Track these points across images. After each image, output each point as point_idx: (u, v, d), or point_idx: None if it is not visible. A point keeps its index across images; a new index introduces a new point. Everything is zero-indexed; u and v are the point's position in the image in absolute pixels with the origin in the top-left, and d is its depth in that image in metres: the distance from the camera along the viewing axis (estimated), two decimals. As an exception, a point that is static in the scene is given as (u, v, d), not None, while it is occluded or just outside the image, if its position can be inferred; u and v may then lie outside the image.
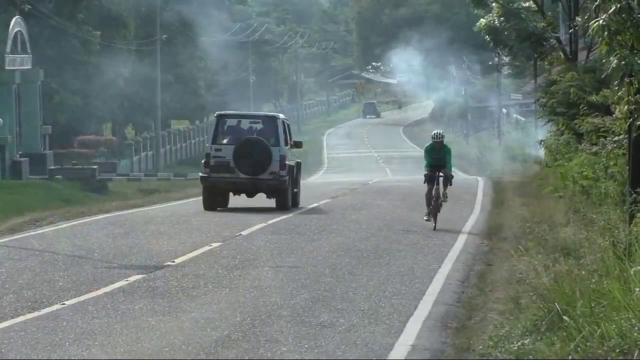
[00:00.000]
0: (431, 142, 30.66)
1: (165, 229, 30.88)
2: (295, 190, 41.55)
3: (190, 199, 46.45)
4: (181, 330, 14.78)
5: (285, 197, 39.97)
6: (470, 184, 55.30)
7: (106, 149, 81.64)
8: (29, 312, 16.39)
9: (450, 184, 30.80)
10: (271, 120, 43.21)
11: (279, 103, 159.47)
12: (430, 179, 30.10)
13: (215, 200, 40.55)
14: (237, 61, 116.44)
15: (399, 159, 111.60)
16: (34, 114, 69.03)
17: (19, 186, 59.73)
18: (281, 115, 45.16)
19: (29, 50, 67.40)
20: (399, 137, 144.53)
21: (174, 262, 23.18)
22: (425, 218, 30.42)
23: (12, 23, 64.90)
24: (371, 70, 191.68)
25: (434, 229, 29.83)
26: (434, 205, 29.95)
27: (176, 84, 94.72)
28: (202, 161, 41.95)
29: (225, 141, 41.65)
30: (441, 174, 30.30)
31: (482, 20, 55.16)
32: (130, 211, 39.41)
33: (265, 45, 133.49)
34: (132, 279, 20.48)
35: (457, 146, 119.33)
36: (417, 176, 76.16)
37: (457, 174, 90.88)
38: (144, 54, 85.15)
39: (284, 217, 34.66)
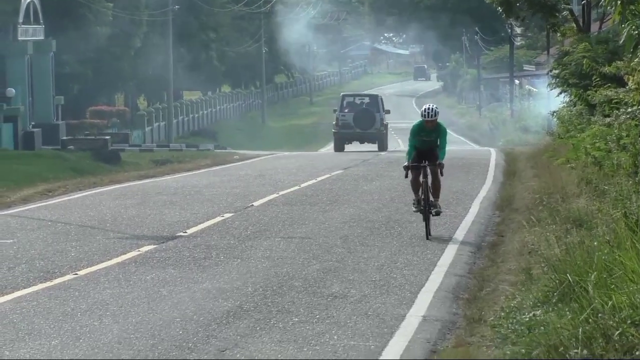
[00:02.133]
0: (420, 120, 21.73)
1: (177, 199, 30.91)
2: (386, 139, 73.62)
3: (202, 170, 46.43)
4: (193, 301, 14.82)
5: (383, 142, 72.42)
6: (482, 155, 55.17)
7: (118, 120, 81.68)
8: (41, 282, 16.47)
9: (441, 174, 22.22)
10: (373, 97, 78.83)
11: (291, 74, 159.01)
12: (416, 170, 21.75)
13: (341, 146, 73.15)
14: (250, 32, 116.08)
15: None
16: (46, 84, 68.92)
17: (31, 157, 59.71)
18: (379, 94, 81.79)
19: (42, 21, 67.31)
20: (412, 109, 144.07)
21: (186, 232, 23.24)
22: (413, 209, 22.47)
23: (24, -7, 64.75)
24: (383, 42, 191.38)
25: (428, 237, 21.67)
26: (424, 196, 21.90)
27: (188, 55, 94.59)
28: (333, 122, 74.55)
29: (347, 110, 73.99)
30: (429, 165, 21.80)
31: (494, -9, 54.42)
32: (143, 182, 39.44)
33: (278, 17, 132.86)
34: (144, 249, 20.56)
35: (469, 117, 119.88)
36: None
37: (469, 145, 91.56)
38: (156, 25, 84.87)
39: (296, 188, 34.61)
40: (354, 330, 12.92)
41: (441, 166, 21.59)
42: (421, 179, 21.62)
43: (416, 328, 13.19)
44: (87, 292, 15.59)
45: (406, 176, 21.66)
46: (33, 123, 66.48)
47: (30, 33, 66.07)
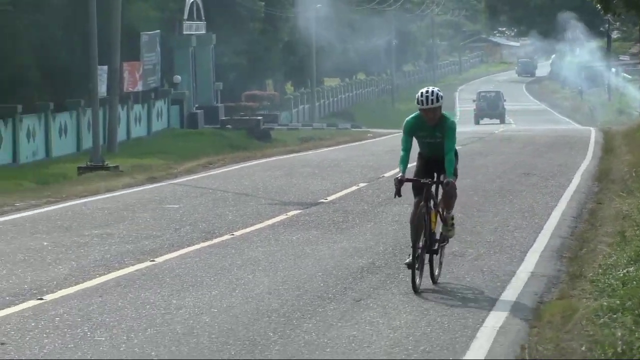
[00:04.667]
0: (416, 112, 12.50)
1: (319, 171, 30.97)
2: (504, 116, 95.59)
3: (340, 146, 46.48)
4: (332, 258, 14.87)
5: (503, 118, 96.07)
6: (583, 134, 54.31)
7: (269, 103, 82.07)
8: (203, 241, 16.66)
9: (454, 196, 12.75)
10: (497, 91, 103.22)
11: (417, 64, 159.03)
12: (417, 191, 12.49)
13: (478, 121, 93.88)
14: (382, 27, 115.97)
15: (522, 112, 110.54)
16: (207, 72, 69.80)
17: (195, 134, 60.65)
18: (500, 90, 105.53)
19: (203, 18, 68.19)
20: (522, 93, 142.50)
21: (326, 199, 23.29)
22: (406, 261, 12.22)
23: (189, -6, 65.78)
24: (497, 35, 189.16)
25: (416, 289, 12.02)
26: (424, 242, 12.39)
27: (329, 47, 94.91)
28: (473, 109, 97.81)
29: (482, 100, 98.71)
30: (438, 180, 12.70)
31: (594, -9, 53.95)
32: (289, 156, 39.61)
33: (406, 13, 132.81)
34: (290, 213, 20.64)
35: (572, 101, 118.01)
36: (536, 126, 76.30)
37: (572, 125, 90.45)
38: (301, 22, 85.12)
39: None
40: (471, 284, 12.95)
41: (450, 186, 12.23)
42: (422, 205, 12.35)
43: (525, 283, 13.22)
44: (242, 250, 15.74)
45: (396, 194, 12.25)
46: (196, 105, 67.47)
47: (194, 28, 66.97)
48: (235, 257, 15.04)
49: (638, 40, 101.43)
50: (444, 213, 12.69)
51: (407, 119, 12.51)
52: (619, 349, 8.98)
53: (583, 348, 9.25)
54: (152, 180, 29.09)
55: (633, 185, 23.72)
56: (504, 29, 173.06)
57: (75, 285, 12.82)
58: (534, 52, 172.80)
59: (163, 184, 28.28)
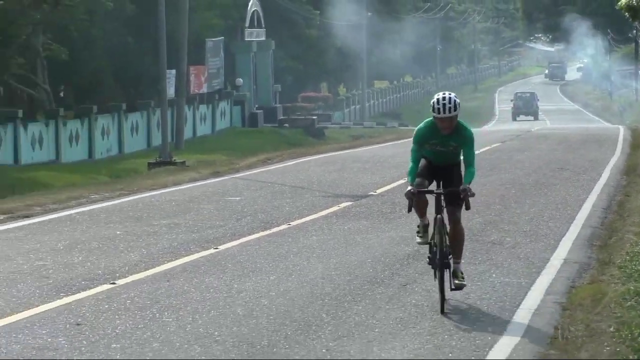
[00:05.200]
0: (429, 119, 10.23)
1: (369, 166, 30.90)
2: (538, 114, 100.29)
3: (389, 143, 46.34)
4: (381, 246, 14.88)
5: (537, 116, 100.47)
6: (612, 132, 53.79)
7: (323, 103, 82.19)
8: (262, 231, 16.71)
9: (467, 208, 10.21)
10: (532, 93, 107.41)
11: (459, 67, 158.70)
12: (419, 207, 10.56)
13: (515, 118, 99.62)
14: (428, 34, 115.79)
15: (556, 111, 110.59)
16: (267, 75, 70.19)
17: (255, 132, 61.04)
18: (535, 91, 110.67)
19: (263, 25, 68.63)
20: (556, 94, 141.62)
21: (375, 192, 23.24)
22: (417, 239, 11.23)
23: (250, 3, 65.98)
24: (533, 40, 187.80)
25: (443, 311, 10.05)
26: (438, 241, 10.22)
27: (378, 51, 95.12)
28: (510, 108, 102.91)
29: (518, 100, 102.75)
30: (446, 194, 10.32)
31: (622, 0, 53.83)
32: (342, 152, 39.53)
33: (449, 21, 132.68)
34: (342, 205, 20.63)
35: (602, 102, 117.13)
36: (570, 124, 76.05)
37: (602, 124, 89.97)
38: (353, 29, 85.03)
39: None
40: (509, 270, 12.90)
41: (466, 193, 9.96)
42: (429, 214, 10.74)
43: (558, 269, 13.15)
44: (297, 239, 15.76)
45: (409, 209, 10.52)
46: (257, 106, 67.99)
47: (255, 35, 67.44)
48: (292, 245, 15.05)
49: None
50: (453, 258, 10.37)
51: (419, 126, 10.35)
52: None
53: (611, 329, 9.26)
54: (216, 174, 29.16)
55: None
56: (540, 35, 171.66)
57: (145, 270, 12.91)
58: (566, 56, 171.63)
59: (225, 178, 28.34)
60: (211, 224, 17.79)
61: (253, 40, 67.70)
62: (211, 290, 11.49)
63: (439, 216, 10.19)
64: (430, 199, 10.52)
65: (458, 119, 10.03)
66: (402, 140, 47.08)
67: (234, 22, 66.96)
